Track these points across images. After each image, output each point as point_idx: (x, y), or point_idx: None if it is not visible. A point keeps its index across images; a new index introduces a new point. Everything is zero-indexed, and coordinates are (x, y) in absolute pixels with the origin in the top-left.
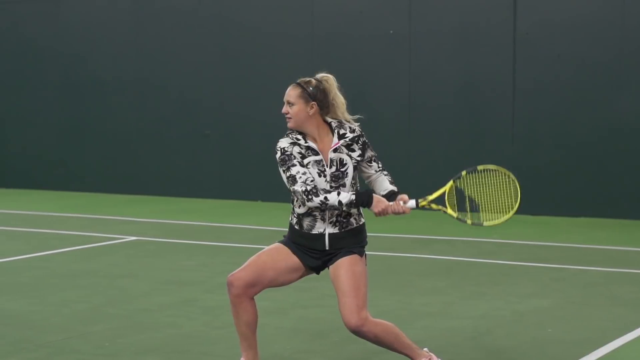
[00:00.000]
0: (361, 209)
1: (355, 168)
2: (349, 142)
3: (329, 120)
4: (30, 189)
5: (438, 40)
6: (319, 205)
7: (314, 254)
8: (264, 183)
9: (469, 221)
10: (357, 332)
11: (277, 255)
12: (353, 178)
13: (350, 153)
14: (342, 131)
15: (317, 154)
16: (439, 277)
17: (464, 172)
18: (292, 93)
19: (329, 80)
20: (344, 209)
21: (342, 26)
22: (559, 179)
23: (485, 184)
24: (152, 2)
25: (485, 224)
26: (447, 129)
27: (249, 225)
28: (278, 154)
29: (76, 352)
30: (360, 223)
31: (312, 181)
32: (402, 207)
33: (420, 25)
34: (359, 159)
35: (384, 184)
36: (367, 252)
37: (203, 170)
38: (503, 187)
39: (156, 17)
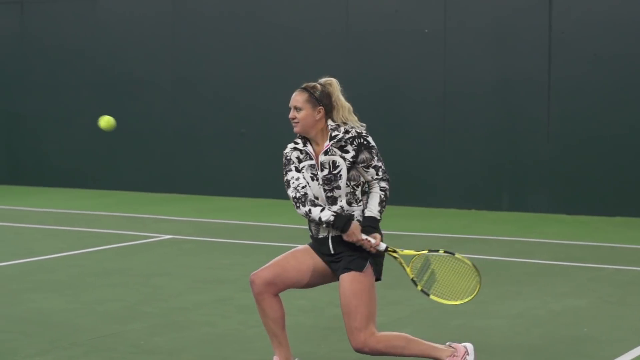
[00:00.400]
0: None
1: (350, 169)
2: (343, 143)
3: (330, 123)
4: (67, 188)
5: (473, 39)
6: (303, 215)
7: (325, 258)
8: None
9: (419, 286)
10: (360, 352)
11: (301, 256)
12: (352, 180)
13: (343, 154)
14: (334, 133)
15: (311, 158)
16: None
17: (442, 251)
18: (299, 98)
19: (333, 83)
20: (324, 226)
21: (377, 24)
22: (595, 178)
23: (453, 270)
24: (187, 1)
25: (431, 296)
26: (482, 128)
27: (284, 224)
28: (283, 159)
29: (111, 350)
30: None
31: (303, 187)
32: (371, 246)
33: (455, 24)
34: (352, 159)
35: (371, 202)
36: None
37: (238, 169)
38: (466, 281)
39: (191, 16)
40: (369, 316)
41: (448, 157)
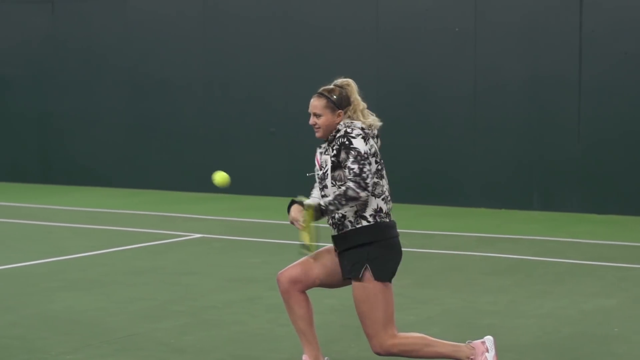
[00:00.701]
0: (366, 213)
1: (335, 168)
2: (332, 143)
3: (340, 125)
4: (97, 187)
5: (503, 37)
6: None
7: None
8: None
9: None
10: (381, 355)
11: (326, 256)
12: (336, 179)
13: (330, 153)
14: (333, 132)
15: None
16: (504, 275)
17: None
18: (317, 104)
19: (350, 84)
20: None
21: (408, 23)
22: (626, 177)
23: None
24: (218, 1)
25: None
26: (512, 127)
27: (314, 223)
28: None
29: (141, 349)
30: (357, 226)
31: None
32: (299, 225)
33: (486, 23)
34: (334, 159)
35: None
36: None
37: (268, 168)
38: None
39: (222, 16)
40: (381, 321)
41: (478, 156)
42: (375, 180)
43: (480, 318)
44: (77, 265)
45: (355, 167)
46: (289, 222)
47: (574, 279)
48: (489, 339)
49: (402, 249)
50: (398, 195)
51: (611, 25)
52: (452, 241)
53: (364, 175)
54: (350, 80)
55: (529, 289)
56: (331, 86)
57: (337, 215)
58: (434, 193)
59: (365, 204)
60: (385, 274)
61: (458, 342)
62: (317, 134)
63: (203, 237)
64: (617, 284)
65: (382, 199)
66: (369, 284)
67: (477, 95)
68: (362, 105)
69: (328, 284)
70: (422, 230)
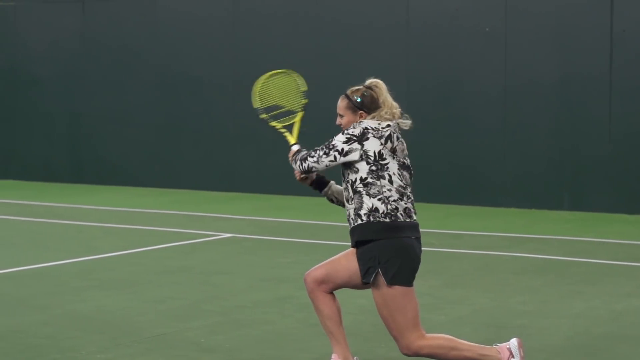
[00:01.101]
0: (362, 212)
1: (344, 164)
2: None
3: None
4: (128, 186)
5: (534, 37)
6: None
7: None
8: None
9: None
10: (409, 356)
11: (353, 256)
12: (346, 175)
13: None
14: None
15: None
16: (535, 275)
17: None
18: (340, 105)
19: (379, 85)
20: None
21: (438, 22)
22: None
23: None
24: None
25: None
26: (543, 127)
27: (343, 223)
28: None
29: (171, 348)
30: (355, 224)
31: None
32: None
33: (516, 23)
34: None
35: None
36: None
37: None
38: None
39: (251, 14)
40: (403, 325)
41: (508, 156)
42: (370, 180)
43: (510, 318)
44: (107, 265)
45: (319, 147)
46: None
47: (605, 279)
48: (513, 344)
49: (430, 249)
50: (427, 194)
51: None
52: (482, 241)
53: (313, 155)
54: (378, 82)
55: (560, 290)
56: (357, 87)
57: (345, 212)
58: (463, 193)
59: (361, 203)
60: (399, 278)
61: (488, 343)
62: None
63: (233, 236)
64: None
65: (379, 200)
66: (384, 288)
67: (507, 94)
68: (389, 107)
69: (354, 285)
70: (451, 230)
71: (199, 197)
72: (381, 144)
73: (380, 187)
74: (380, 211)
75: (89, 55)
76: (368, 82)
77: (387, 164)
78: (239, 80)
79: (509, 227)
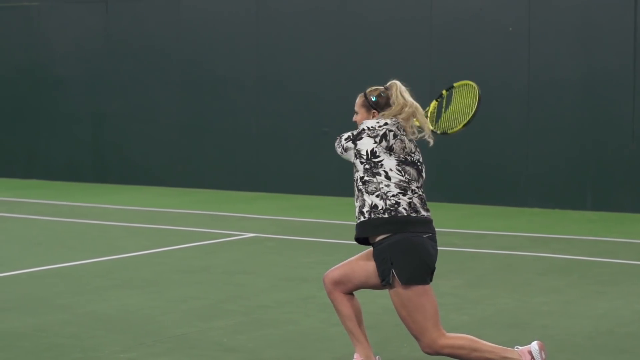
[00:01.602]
0: (364, 210)
1: (360, 162)
2: None
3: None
4: (151, 186)
5: (557, 37)
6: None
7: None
8: None
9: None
10: (431, 355)
11: (370, 257)
12: (362, 172)
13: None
14: None
15: None
16: (558, 275)
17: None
18: (357, 102)
19: (394, 86)
20: None
21: (461, 22)
22: None
23: (460, 99)
24: None
25: (449, 131)
26: (566, 127)
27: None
28: None
29: (194, 348)
30: (357, 221)
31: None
32: None
33: (540, 22)
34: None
35: None
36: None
37: (321, 168)
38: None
39: (275, 13)
40: (422, 324)
41: (531, 156)
42: (367, 178)
43: (533, 318)
44: (130, 264)
45: (338, 138)
46: None
47: (629, 279)
48: (534, 347)
49: (452, 249)
50: (450, 194)
51: None
52: (505, 241)
53: (338, 140)
54: (396, 82)
55: (583, 290)
56: (377, 87)
57: (356, 204)
58: (486, 193)
59: (363, 201)
60: (413, 277)
61: (511, 344)
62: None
63: (256, 236)
64: None
65: (377, 196)
66: (400, 289)
67: (530, 94)
68: (400, 106)
69: (372, 285)
70: (474, 230)
71: (221, 197)
72: (375, 142)
73: (377, 184)
74: (379, 207)
75: (112, 55)
76: (388, 83)
77: (381, 161)
78: (263, 79)
79: (532, 227)
